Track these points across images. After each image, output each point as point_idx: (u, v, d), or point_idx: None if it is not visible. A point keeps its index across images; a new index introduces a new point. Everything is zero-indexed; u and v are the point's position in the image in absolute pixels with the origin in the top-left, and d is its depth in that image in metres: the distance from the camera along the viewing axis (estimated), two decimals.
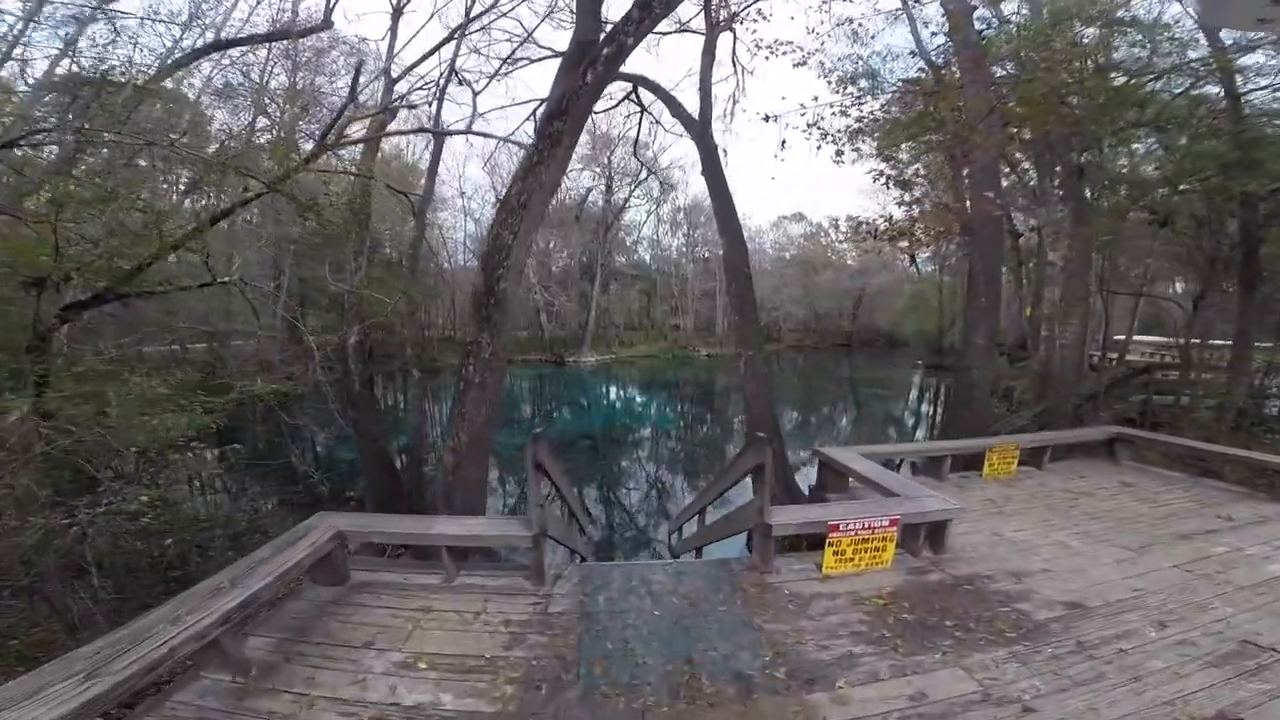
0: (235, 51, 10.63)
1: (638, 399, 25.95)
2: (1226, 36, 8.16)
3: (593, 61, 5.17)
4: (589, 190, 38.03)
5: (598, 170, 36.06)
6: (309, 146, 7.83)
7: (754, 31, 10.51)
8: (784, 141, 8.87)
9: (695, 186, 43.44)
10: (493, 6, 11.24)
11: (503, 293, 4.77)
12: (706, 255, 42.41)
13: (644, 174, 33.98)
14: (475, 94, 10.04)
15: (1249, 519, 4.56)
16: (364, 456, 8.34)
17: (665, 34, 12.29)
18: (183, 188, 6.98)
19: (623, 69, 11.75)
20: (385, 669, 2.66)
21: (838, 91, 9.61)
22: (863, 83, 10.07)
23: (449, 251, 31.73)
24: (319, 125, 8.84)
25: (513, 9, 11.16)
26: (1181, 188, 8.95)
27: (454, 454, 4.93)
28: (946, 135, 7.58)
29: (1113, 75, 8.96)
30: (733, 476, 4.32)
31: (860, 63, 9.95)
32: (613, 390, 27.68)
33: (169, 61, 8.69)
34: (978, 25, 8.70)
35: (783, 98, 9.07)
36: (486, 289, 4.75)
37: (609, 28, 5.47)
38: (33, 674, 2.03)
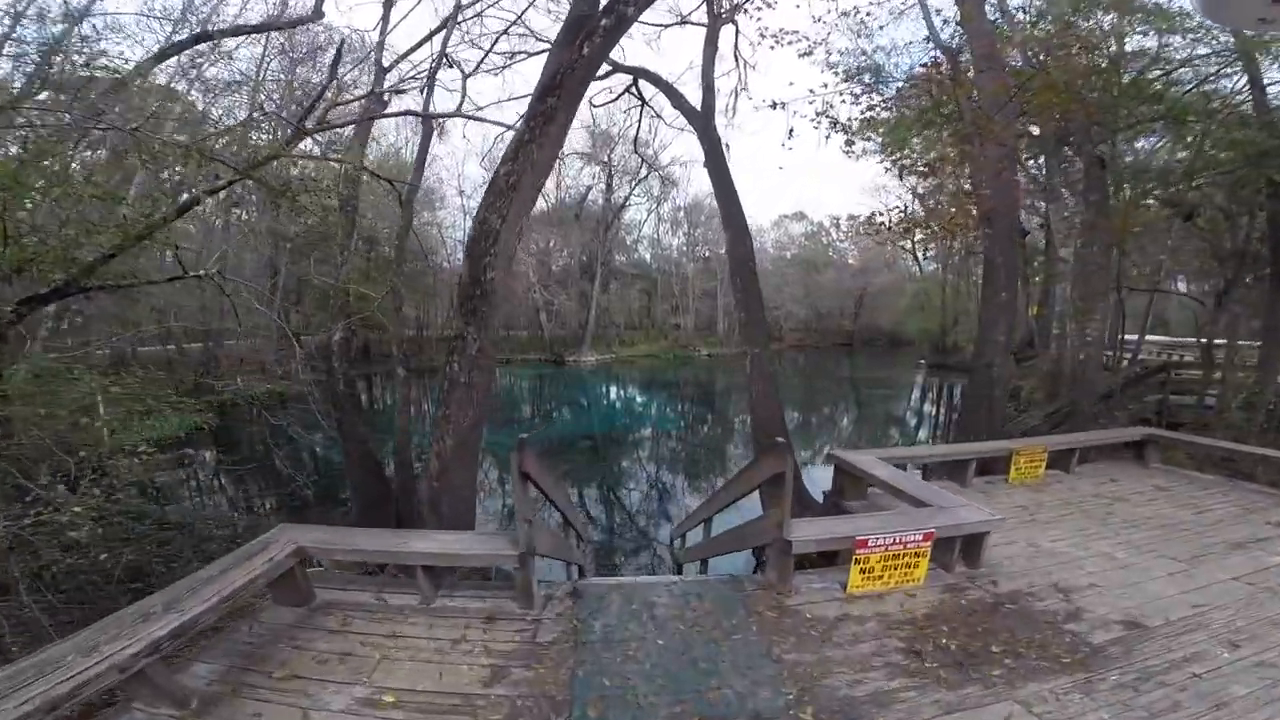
0: (229, 47, 10.30)
1: (638, 399, 25.64)
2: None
3: (590, 34, 4.79)
4: (589, 188, 37.73)
5: (598, 168, 35.73)
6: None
7: (759, 20, 10.17)
8: (791, 130, 8.46)
9: (696, 185, 43.19)
10: None
11: (490, 282, 4.37)
12: (707, 255, 42.11)
13: (645, 171, 33.73)
14: (465, 76, 9.65)
15: None
16: (348, 459, 7.95)
17: (666, 27, 11.96)
18: (160, 178, 6.61)
19: (622, 62, 11.51)
20: (345, 705, 2.31)
21: (845, 82, 9.28)
22: (866, 78, 9.77)
23: (448, 250, 31.27)
24: (316, 123, 8.51)
25: None
26: (1197, 181, 8.63)
27: (439, 459, 4.55)
28: (964, 124, 7.22)
29: (1131, 66, 8.67)
30: (746, 485, 3.90)
31: (865, 57, 9.62)
32: (613, 390, 27.36)
33: (149, 55, 8.38)
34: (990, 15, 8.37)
35: (790, 83, 8.70)
36: (472, 278, 4.35)
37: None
38: None
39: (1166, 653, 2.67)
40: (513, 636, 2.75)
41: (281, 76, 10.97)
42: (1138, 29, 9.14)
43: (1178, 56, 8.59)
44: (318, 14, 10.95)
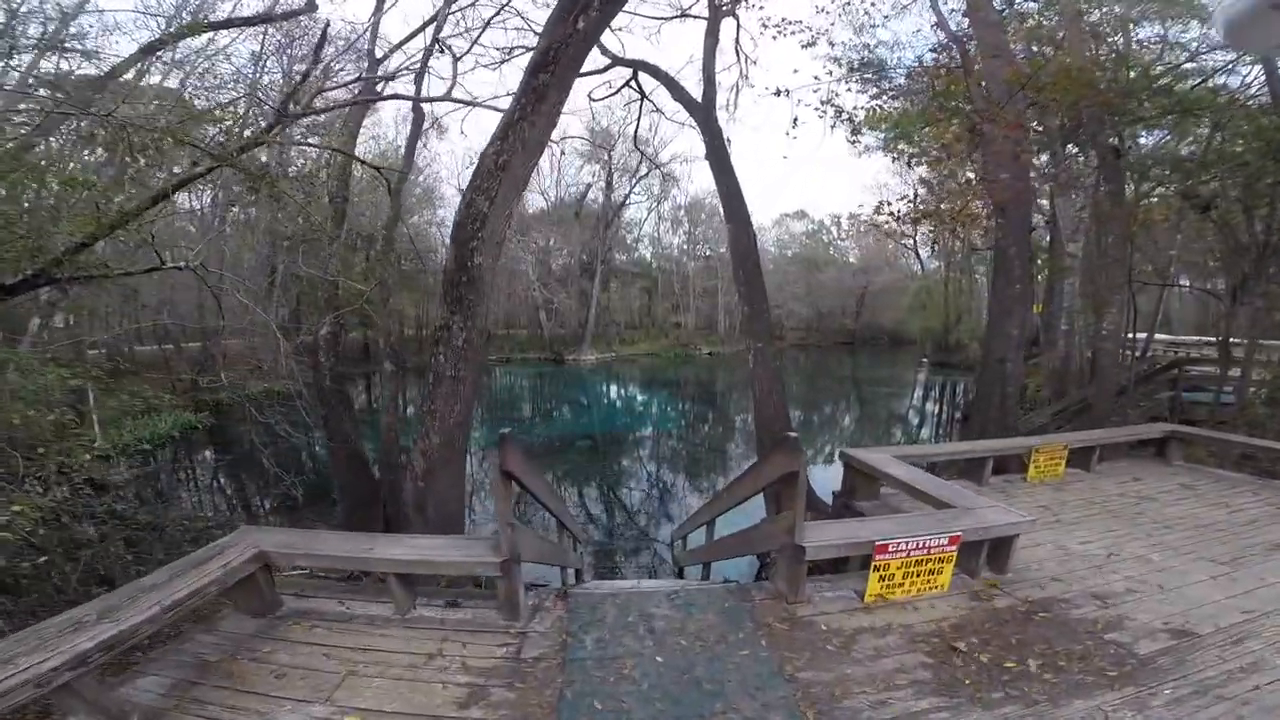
0: (223, 42, 10.07)
1: (639, 398, 25.38)
2: None
3: (585, 7, 4.53)
4: (589, 186, 37.47)
5: (598, 166, 35.46)
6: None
7: (760, 9, 9.90)
8: (796, 119, 8.22)
9: (696, 184, 42.99)
10: None
11: (478, 269, 4.09)
12: (708, 253, 41.89)
13: (645, 169, 33.43)
14: (456, 59, 9.41)
15: None
16: (334, 458, 7.69)
17: (666, 20, 11.68)
18: (137, 164, 6.33)
19: (621, 55, 11.23)
20: None
21: (850, 74, 9.03)
22: (869, 73, 9.50)
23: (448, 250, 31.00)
24: (301, 109, 8.26)
25: None
26: (1214, 173, 8.37)
27: (425, 458, 4.27)
28: (974, 112, 6.96)
29: (1138, 59, 8.43)
30: (754, 484, 3.58)
31: (868, 50, 9.37)
32: (613, 389, 27.10)
33: (139, 48, 8.13)
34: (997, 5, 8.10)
35: (795, 70, 8.44)
36: (458, 264, 4.07)
37: None
38: None
39: (1222, 663, 2.41)
40: (494, 651, 2.46)
41: (278, 75, 10.75)
42: (1150, 18, 8.91)
43: (1189, 50, 8.38)
44: (310, 6, 10.71)
